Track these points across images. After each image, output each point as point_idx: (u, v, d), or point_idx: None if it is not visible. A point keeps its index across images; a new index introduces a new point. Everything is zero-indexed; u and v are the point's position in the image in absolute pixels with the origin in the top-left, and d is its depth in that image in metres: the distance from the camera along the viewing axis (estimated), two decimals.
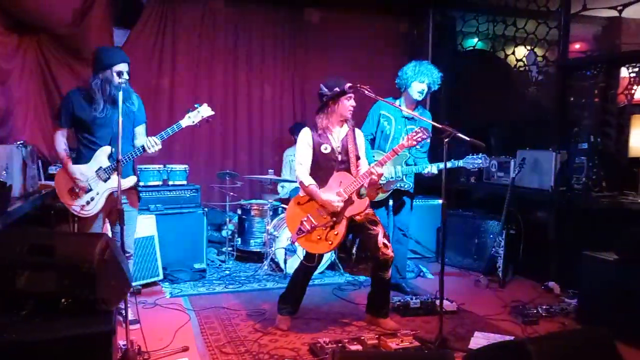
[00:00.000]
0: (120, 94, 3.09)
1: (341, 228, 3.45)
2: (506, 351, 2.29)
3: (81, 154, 3.46)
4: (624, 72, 4.52)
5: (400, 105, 4.20)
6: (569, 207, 4.52)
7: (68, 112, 3.43)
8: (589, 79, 4.75)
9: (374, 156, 4.13)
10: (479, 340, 3.40)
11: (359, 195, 3.51)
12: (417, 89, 4.20)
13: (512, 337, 3.45)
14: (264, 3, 6.22)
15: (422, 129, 3.40)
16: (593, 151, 4.34)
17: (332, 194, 3.44)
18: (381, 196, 4.32)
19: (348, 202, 3.46)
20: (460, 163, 4.00)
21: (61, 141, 3.48)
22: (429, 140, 3.93)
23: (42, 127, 5.25)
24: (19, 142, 3.94)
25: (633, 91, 4.41)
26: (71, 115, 3.42)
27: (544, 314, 3.91)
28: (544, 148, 4.78)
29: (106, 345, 2.24)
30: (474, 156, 3.94)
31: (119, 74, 3.35)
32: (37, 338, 2.15)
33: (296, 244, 3.63)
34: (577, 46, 6.44)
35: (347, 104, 3.53)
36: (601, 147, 4.41)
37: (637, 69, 4.35)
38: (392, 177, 4.20)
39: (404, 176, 4.24)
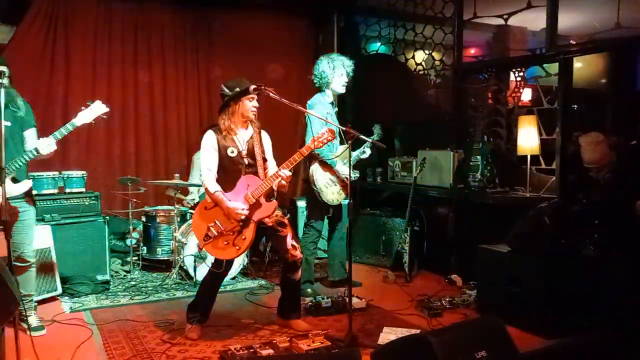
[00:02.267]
0: (2, 95, 2.86)
1: (249, 233, 3.41)
2: (410, 345, 2.38)
3: None
4: (512, 75, 4.87)
5: (332, 102, 4.42)
6: (466, 203, 4.80)
7: None
8: (482, 82, 5.07)
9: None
10: (387, 335, 3.51)
11: (268, 199, 3.50)
12: (340, 82, 4.36)
13: (418, 331, 3.60)
14: (165, 2, 6.00)
15: (328, 130, 3.44)
16: (486, 150, 4.63)
17: (237, 202, 3.39)
18: (342, 198, 4.44)
19: (256, 205, 3.43)
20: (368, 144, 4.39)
21: None
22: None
23: None
24: None
25: (519, 93, 4.77)
26: None
27: (447, 306, 4.11)
28: (443, 148, 5.04)
29: None
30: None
31: None
32: None
33: (203, 250, 3.55)
34: (472, 51, 6.89)
35: (249, 104, 3.48)
36: (493, 147, 4.73)
37: (522, 73, 4.70)
38: (356, 176, 4.38)
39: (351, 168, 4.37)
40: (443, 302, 4.17)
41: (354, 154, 4.49)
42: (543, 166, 4.66)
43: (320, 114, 4.12)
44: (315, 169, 4.36)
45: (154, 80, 6.03)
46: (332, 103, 4.46)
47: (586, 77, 5.36)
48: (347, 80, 4.41)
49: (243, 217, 3.37)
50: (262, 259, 5.51)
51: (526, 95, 4.97)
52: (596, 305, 3.49)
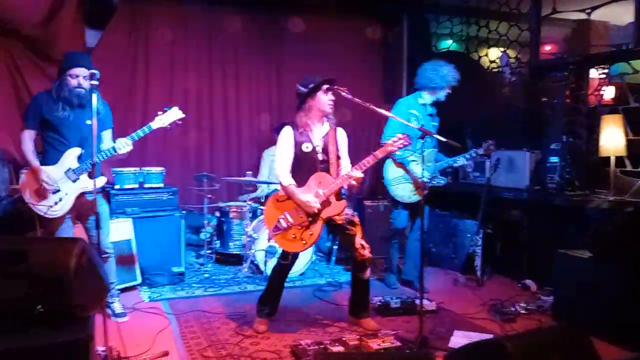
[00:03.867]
0: (95, 97, 3.07)
1: (316, 229, 3.46)
2: (485, 350, 2.32)
3: (48, 155, 3.49)
4: (594, 73, 4.63)
5: (425, 104, 4.48)
6: (543, 205, 4.61)
7: (36, 113, 3.46)
8: (560, 80, 4.85)
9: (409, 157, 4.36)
10: (458, 339, 3.44)
11: (338, 197, 3.52)
12: (446, 92, 4.45)
13: (491, 335, 3.50)
14: (239, 5, 6.18)
15: (405, 135, 3.43)
16: (565, 151, 4.43)
17: (310, 195, 3.44)
18: (418, 197, 4.40)
19: (325, 203, 3.47)
20: (481, 150, 4.34)
21: (28, 142, 3.49)
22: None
23: (12, 131, 5.11)
24: None
25: (602, 92, 4.52)
26: (39, 116, 3.45)
27: (521, 312, 3.98)
28: (518, 148, 4.87)
29: (84, 352, 2.19)
30: (487, 142, 4.28)
31: (74, 77, 3.38)
32: (9, 347, 2.10)
33: (274, 245, 3.65)
34: (547, 48, 6.59)
35: (325, 98, 3.51)
36: (573, 147, 4.50)
37: (606, 71, 4.45)
38: (429, 177, 4.34)
39: (438, 173, 4.46)
40: (517, 307, 4.04)
41: (444, 161, 4.49)
42: (629, 168, 4.39)
43: (402, 115, 4.14)
44: (388, 164, 4.46)
45: (227, 81, 6.22)
46: (424, 105, 4.49)
47: None
48: (440, 90, 4.46)
49: (315, 210, 3.41)
50: (328, 256, 5.56)
51: (609, 93, 4.69)
52: None
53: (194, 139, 6.09)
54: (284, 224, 3.47)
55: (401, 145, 3.49)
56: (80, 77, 3.42)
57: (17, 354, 2.08)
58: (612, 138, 4.22)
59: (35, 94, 5.05)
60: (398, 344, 3.24)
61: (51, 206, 3.39)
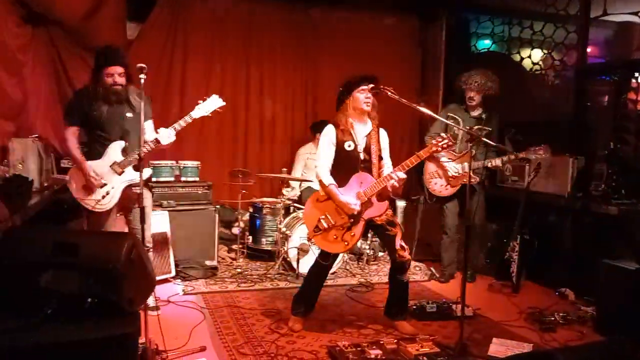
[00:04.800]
0: (143, 95, 3.10)
1: (358, 230, 3.41)
2: None
3: (93, 150, 3.53)
4: None
5: (467, 108, 4.75)
6: (585, 213, 4.48)
7: (78, 109, 3.51)
8: (607, 84, 4.71)
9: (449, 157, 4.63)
10: (497, 347, 3.37)
11: (380, 198, 3.47)
12: (470, 96, 4.71)
13: (530, 345, 3.42)
14: (276, 1, 6.16)
15: (449, 135, 3.39)
16: (613, 158, 4.30)
17: (350, 196, 3.40)
18: (450, 190, 4.70)
19: (367, 203, 3.42)
20: (521, 155, 4.36)
21: (73, 139, 3.53)
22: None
23: (53, 121, 5.20)
24: (33, 136, 3.91)
25: None
26: (81, 112, 3.49)
27: (561, 322, 3.87)
28: (560, 153, 4.74)
29: (132, 346, 2.21)
30: (535, 147, 4.31)
31: (109, 75, 3.42)
32: (59, 339, 2.12)
33: (312, 241, 3.61)
34: (588, 50, 6.42)
35: (362, 96, 3.46)
36: (620, 154, 4.37)
37: None
38: (460, 172, 4.62)
39: (472, 171, 4.41)
40: (556, 316, 3.93)
41: (480, 162, 4.58)
42: None
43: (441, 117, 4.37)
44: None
45: (263, 77, 6.23)
46: (466, 109, 4.78)
47: None
48: (475, 96, 4.69)
49: (355, 212, 3.37)
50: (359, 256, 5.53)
51: None
52: None
53: (229, 134, 6.11)
54: (325, 225, 3.44)
55: (445, 146, 3.41)
56: (115, 75, 3.45)
57: (66, 345, 2.10)
58: None
59: (76, 84, 5.19)
60: (437, 349, 3.18)
61: (99, 200, 3.44)
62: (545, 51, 5.31)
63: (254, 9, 6.10)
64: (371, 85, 3.46)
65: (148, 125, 3.68)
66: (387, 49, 6.54)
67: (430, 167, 4.79)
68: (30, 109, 4.87)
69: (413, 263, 5.40)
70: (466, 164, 4.52)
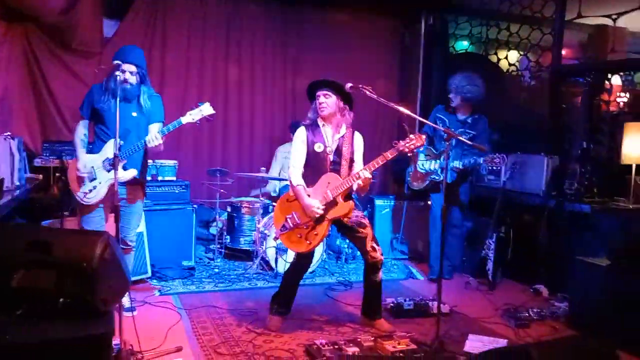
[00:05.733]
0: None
1: (321, 229, 3.46)
2: (511, 356, 2.30)
3: (95, 145, 3.60)
4: (616, 79, 4.58)
5: (454, 111, 4.84)
6: (559, 212, 4.56)
7: (89, 103, 3.58)
8: (582, 86, 4.80)
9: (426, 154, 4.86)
10: (473, 343, 3.41)
11: (346, 198, 3.50)
12: (458, 102, 4.78)
13: (505, 341, 3.47)
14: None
15: (418, 136, 3.34)
16: (586, 157, 4.38)
17: (315, 200, 3.43)
18: (418, 185, 4.96)
19: (332, 203, 3.45)
20: (481, 160, 4.45)
21: (80, 131, 3.62)
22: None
23: (27, 119, 5.12)
24: (6, 134, 3.83)
25: (625, 98, 4.48)
26: (91, 105, 3.57)
27: (535, 317, 3.94)
28: (535, 152, 4.83)
29: (105, 346, 2.17)
30: (493, 155, 4.37)
31: (123, 72, 3.40)
32: (32, 340, 2.07)
33: (279, 241, 3.65)
34: (562, 52, 6.54)
35: (318, 102, 3.52)
36: (593, 154, 4.46)
37: (629, 77, 4.41)
38: (428, 169, 4.84)
39: (440, 170, 4.74)
40: (530, 313, 4.00)
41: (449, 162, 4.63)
42: None
43: (430, 118, 4.65)
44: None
45: (243, 76, 6.19)
46: (453, 112, 4.84)
47: None
48: (454, 99, 4.79)
49: (316, 215, 3.42)
50: (339, 256, 5.54)
51: (631, 100, 4.65)
52: None
53: (207, 133, 6.06)
54: (290, 224, 3.50)
55: (413, 147, 3.35)
56: (127, 73, 3.46)
57: (38, 346, 2.06)
58: (635, 145, 4.16)
59: (51, 83, 5.11)
60: (414, 346, 3.20)
61: (86, 193, 3.51)
62: (521, 52, 5.39)
63: (235, 7, 6.06)
64: (350, 85, 3.46)
65: (153, 128, 3.65)
66: (367, 50, 6.57)
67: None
68: (4, 106, 4.77)
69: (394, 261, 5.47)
70: (434, 162, 4.74)
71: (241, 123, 6.23)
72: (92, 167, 3.53)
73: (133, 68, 3.48)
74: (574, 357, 2.23)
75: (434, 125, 4.13)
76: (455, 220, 4.95)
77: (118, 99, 3.11)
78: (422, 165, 4.87)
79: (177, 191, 5.05)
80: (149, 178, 4.93)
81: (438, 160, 4.76)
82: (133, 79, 3.50)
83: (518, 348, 2.42)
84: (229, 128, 6.18)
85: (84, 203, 3.53)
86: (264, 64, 6.27)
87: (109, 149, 3.49)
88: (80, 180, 3.53)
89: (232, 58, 6.11)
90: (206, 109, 3.56)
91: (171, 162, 5.10)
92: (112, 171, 3.42)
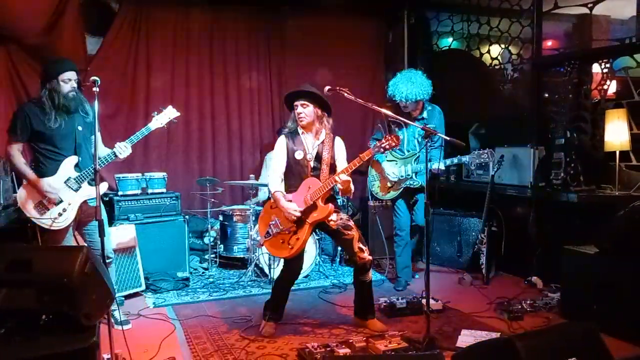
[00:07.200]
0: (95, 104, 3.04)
1: (303, 234, 3.49)
2: (494, 349, 2.30)
3: (43, 167, 3.42)
4: (597, 67, 4.59)
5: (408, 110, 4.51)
6: (548, 202, 4.58)
7: (25, 125, 3.37)
8: (563, 76, 4.81)
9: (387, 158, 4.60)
10: (466, 338, 3.42)
11: (326, 202, 3.52)
12: (402, 106, 4.51)
13: (498, 334, 3.48)
14: (239, 7, 6.16)
15: (392, 136, 3.33)
16: (570, 147, 4.40)
17: (293, 203, 3.50)
18: (392, 194, 4.62)
19: (312, 207, 3.49)
20: (465, 159, 4.29)
21: (19, 155, 3.43)
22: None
23: None
24: None
25: (606, 87, 4.49)
26: (29, 128, 3.37)
27: (528, 309, 3.95)
28: (522, 145, 4.84)
29: None
30: (480, 151, 4.20)
31: (67, 81, 3.36)
32: (16, 357, 2.09)
33: (262, 246, 3.69)
34: (549, 43, 6.56)
35: (296, 112, 3.60)
36: (577, 143, 4.47)
37: (609, 65, 4.42)
38: (401, 176, 4.52)
39: (414, 174, 4.49)
40: (524, 305, 4.01)
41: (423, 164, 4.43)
42: (634, 162, 4.35)
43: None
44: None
45: (229, 84, 6.20)
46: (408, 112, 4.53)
47: None
48: (400, 103, 4.48)
49: (294, 217, 3.46)
50: (332, 258, 5.55)
51: (613, 87, 4.66)
52: None
53: (195, 143, 6.07)
54: (273, 230, 3.56)
55: (388, 147, 3.36)
56: (72, 81, 3.40)
57: None
58: (617, 132, 4.19)
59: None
60: (405, 345, 3.21)
61: (55, 218, 3.36)
62: (503, 46, 5.41)
63: (217, 16, 6.07)
64: (328, 88, 3.48)
65: (97, 138, 3.58)
66: (351, 51, 6.58)
67: (370, 170, 4.81)
68: None
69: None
70: (409, 166, 4.47)
71: (229, 132, 6.23)
72: (55, 189, 3.37)
73: (75, 75, 3.42)
74: (558, 344, 2.23)
75: (419, 125, 3.97)
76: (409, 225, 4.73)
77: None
78: (393, 173, 4.51)
79: (167, 203, 5.06)
80: (138, 191, 4.97)
81: (411, 164, 4.47)
82: (75, 86, 3.42)
83: (503, 340, 2.41)
84: (218, 137, 6.19)
85: (54, 228, 3.37)
86: (250, 73, 6.27)
87: (67, 168, 3.41)
88: (42, 206, 3.36)
89: (217, 67, 6.10)
90: (169, 112, 3.63)
91: (160, 174, 5.11)
92: (80, 190, 3.43)
